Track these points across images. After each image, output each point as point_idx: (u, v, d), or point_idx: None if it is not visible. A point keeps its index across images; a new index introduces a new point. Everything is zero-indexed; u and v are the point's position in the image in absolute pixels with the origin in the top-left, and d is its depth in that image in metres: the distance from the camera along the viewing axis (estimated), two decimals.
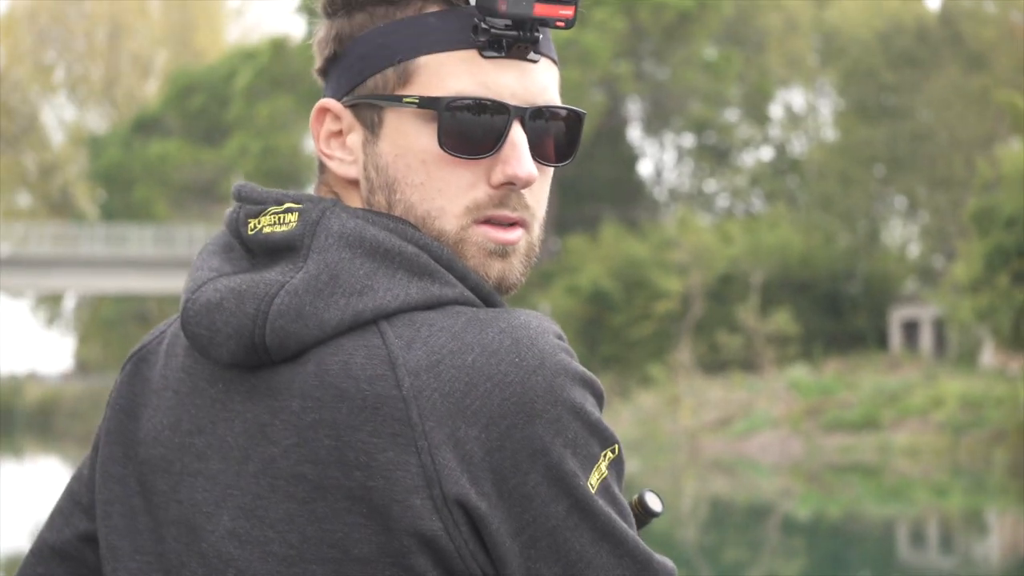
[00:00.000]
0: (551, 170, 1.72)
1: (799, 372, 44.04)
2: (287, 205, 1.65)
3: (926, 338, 51.56)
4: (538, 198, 1.72)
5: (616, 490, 1.61)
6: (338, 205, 1.65)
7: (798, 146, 63.08)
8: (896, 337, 52.72)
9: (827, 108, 63.09)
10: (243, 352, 1.60)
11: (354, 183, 1.72)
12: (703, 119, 59.45)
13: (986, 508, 29.27)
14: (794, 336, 47.15)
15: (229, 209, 1.70)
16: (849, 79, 56.13)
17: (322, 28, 1.76)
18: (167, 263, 60.54)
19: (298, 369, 1.58)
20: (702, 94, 58.18)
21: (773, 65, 60.25)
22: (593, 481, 1.57)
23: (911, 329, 52.98)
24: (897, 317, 52.94)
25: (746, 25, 60.50)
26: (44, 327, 75.73)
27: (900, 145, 53.46)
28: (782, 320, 46.89)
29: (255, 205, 1.67)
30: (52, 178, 74.63)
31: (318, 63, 1.77)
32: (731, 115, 61.81)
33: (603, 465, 1.59)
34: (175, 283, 61.01)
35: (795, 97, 64.05)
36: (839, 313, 52.11)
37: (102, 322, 68.93)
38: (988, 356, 45.32)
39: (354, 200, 1.71)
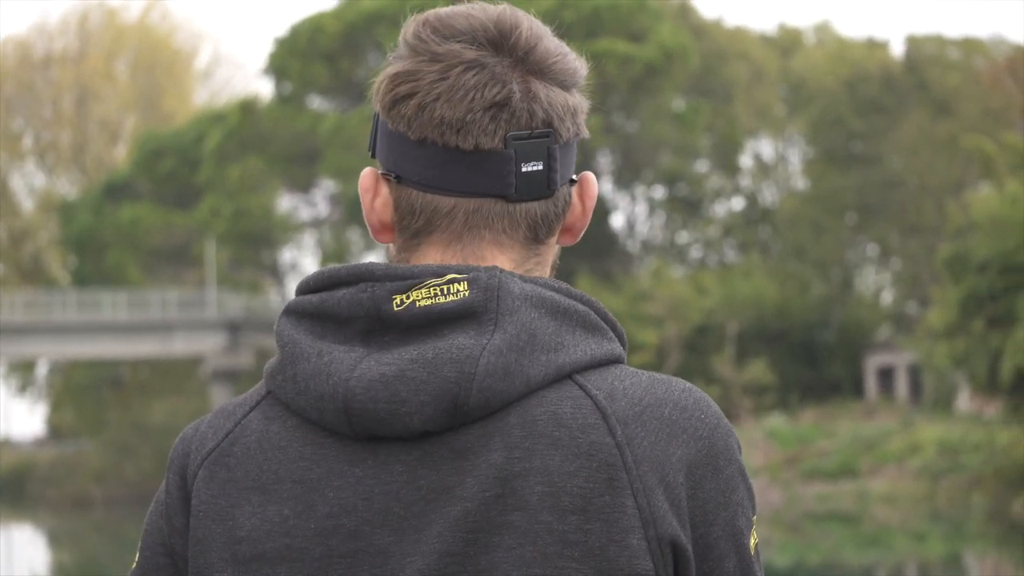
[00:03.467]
0: None
1: (776, 421, 44.14)
2: (449, 276, 1.68)
3: (901, 385, 51.69)
4: None
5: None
6: (503, 271, 1.69)
7: (769, 196, 63.37)
8: (872, 384, 52.87)
9: (796, 157, 63.47)
10: (441, 416, 1.63)
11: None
12: (673, 171, 59.66)
13: (965, 553, 29.33)
14: (770, 385, 47.28)
15: (345, 291, 1.70)
16: (817, 127, 56.50)
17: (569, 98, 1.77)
18: (140, 327, 60.43)
19: (495, 424, 1.64)
20: (672, 146, 58.43)
21: (741, 115, 60.60)
22: (752, 543, 1.70)
23: (886, 376, 53.13)
24: (872, 364, 53.09)
25: (713, 76, 60.81)
26: (16, 394, 75.49)
27: (870, 192, 53.75)
28: (758, 370, 47.03)
29: (402, 281, 1.68)
30: (23, 245, 74.49)
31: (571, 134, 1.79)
32: (701, 166, 62.07)
33: (755, 529, 1.72)
34: (148, 347, 60.88)
35: (764, 147, 64.45)
36: (815, 361, 52.28)
37: (75, 388, 68.73)
38: (964, 401, 45.46)
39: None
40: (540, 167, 1.72)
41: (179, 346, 61.16)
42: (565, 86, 1.75)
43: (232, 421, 1.73)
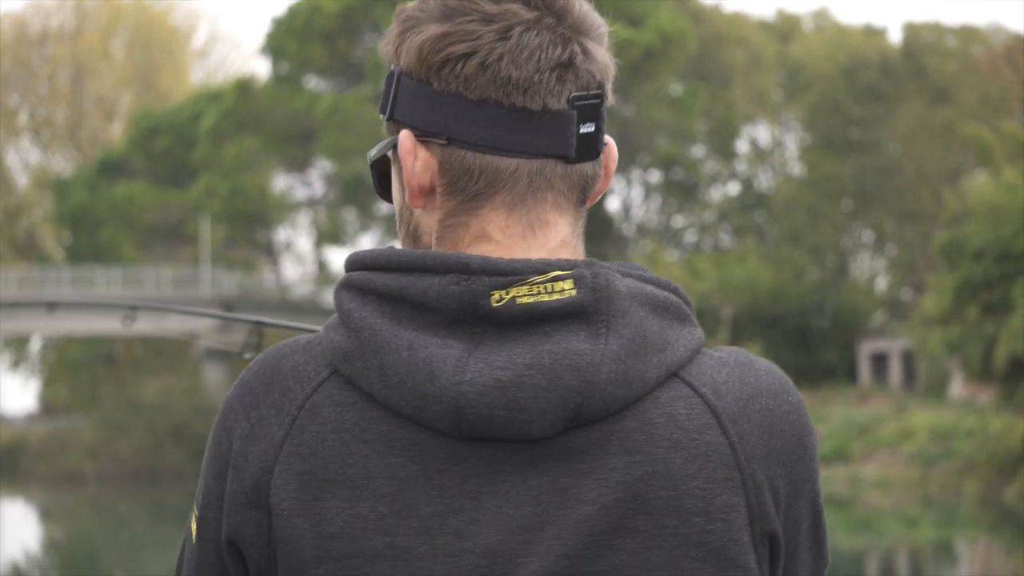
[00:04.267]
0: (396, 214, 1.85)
1: None
2: (553, 274, 1.64)
3: (895, 371, 51.77)
4: None
5: None
6: (602, 265, 1.68)
7: (765, 181, 63.42)
8: (865, 370, 52.96)
9: (793, 143, 63.51)
10: (560, 424, 1.60)
11: None
12: (670, 155, 59.71)
13: (956, 539, 29.41)
14: None
15: (433, 279, 1.64)
16: (814, 113, 56.51)
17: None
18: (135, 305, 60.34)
19: (611, 428, 1.63)
20: (668, 130, 58.46)
21: (738, 101, 60.62)
22: (823, 501, 1.77)
23: (880, 362, 53.21)
24: (866, 350, 53.17)
25: (711, 61, 60.84)
26: (9, 369, 75.47)
27: (867, 179, 53.79)
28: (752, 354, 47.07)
29: (502, 277, 1.63)
30: (17, 221, 74.44)
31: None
32: (697, 151, 62.14)
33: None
34: (143, 325, 60.71)
35: (761, 132, 64.49)
36: (809, 346, 52.35)
37: (68, 364, 68.70)
38: (957, 388, 45.54)
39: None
40: (593, 128, 1.72)
41: (172, 323, 61.00)
42: (605, 47, 1.75)
43: (293, 403, 1.65)
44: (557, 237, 1.73)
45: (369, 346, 1.61)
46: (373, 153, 1.79)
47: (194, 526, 1.71)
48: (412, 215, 1.75)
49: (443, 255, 1.63)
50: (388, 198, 1.82)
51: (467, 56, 1.67)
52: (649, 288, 1.68)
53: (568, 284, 1.63)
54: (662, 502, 1.62)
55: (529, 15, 1.68)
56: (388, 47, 1.75)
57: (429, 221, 1.73)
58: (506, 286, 1.62)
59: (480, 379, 1.58)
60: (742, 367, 1.70)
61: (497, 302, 1.62)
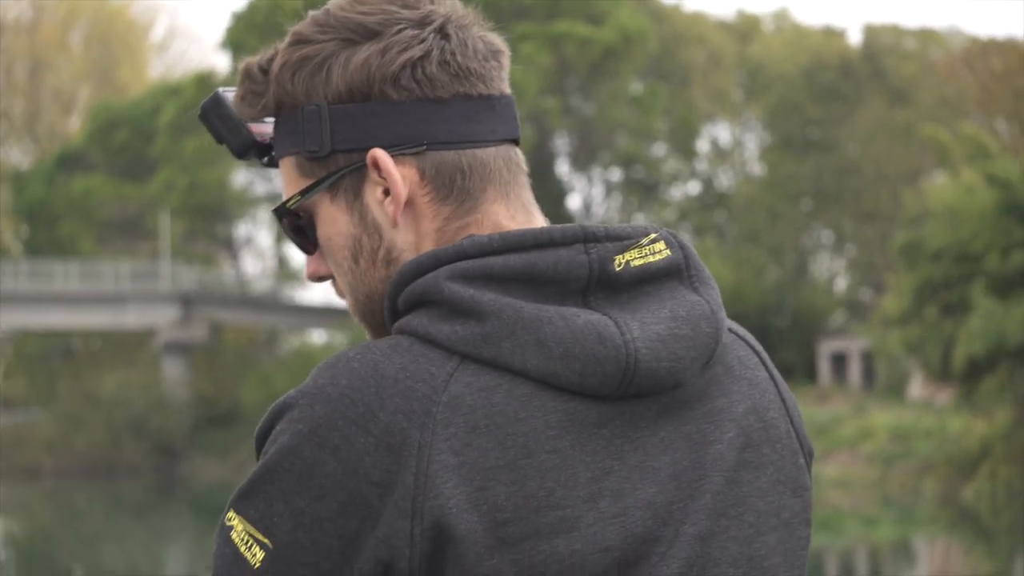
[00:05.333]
0: (328, 254, 1.79)
1: None
2: (652, 235, 1.72)
3: (854, 371, 51.97)
4: (339, 281, 1.80)
5: None
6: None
7: (725, 180, 63.55)
8: (825, 369, 53.13)
9: (753, 142, 63.66)
10: (699, 371, 1.70)
11: None
12: (630, 154, 59.75)
13: (915, 538, 29.53)
14: None
15: (561, 251, 1.66)
16: (774, 114, 56.68)
17: None
18: (93, 299, 60.09)
19: (708, 375, 1.72)
20: (629, 129, 58.50)
21: (698, 100, 60.73)
22: None
23: (839, 362, 53.40)
24: (825, 349, 53.35)
25: (671, 61, 60.92)
26: None
27: (826, 179, 54.00)
28: None
29: (620, 242, 1.69)
30: None
31: None
32: (658, 149, 62.18)
33: None
34: (101, 319, 60.54)
35: (721, 132, 64.62)
36: (768, 346, 51.91)
37: (26, 357, 68.25)
38: (916, 388, 45.77)
39: None
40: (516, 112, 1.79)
41: (131, 318, 60.86)
42: None
43: (426, 401, 1.61)
44: (541, 219, 1.78)
45: (517, 324, 1.62)
46: (298, 200, 1.76)
47: (259, 553, 1.62)
48: (381, 240, 1.73)
49: (569, 228, 1.67)
50: (308, 248, 1.80)
51: (424, 58, 1.70)
52: None
53: (661, 245, 1.71)
54: (757, 434, 1.73)
55: (444, 10, 1.73)
56: (290, 88, 1.74)
57: (408, 237, 1.73)
58: (623, 251, 1.68)
59: (644, 335, 1.64)
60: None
61: (618, 266, 1.67)
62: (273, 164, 1.81)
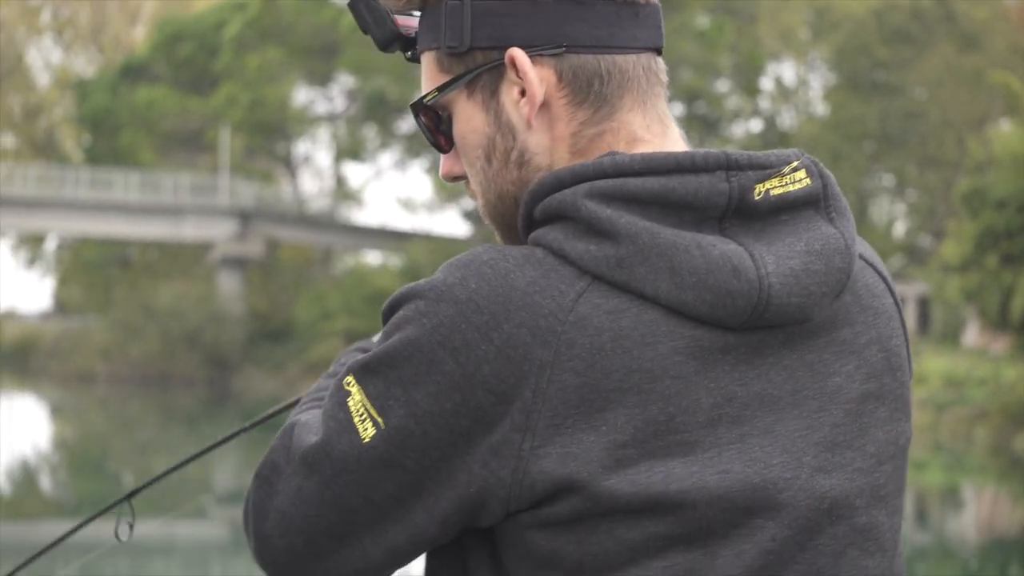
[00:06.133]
0: (462, 152, 1.79)
1: None
2: (794, 164, 1.70)
3: (910, 315, 51.78)
4: (471, 181, 1.80)
5: None
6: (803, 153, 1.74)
7: (788, 119, 63.12)
8: None
9: (818, 83, 63.14)
10: (827, 306, 1.69)
11: None
12: (694, 89, 59.42)
13: (963, 485, 29.46)
14: None
15: (703, 177, 1.65)
16: (841, 54, 56.13)
17: None
18: (152, 209, 60.40)
19: (836, 304, 1.71)
20: (693, 63, 58.14)
21: (765, 37, 60.21)
22: None
23: None
24: None
25: None
26: (24, 267, 75.49)
27: (891, 122, 53.55)
28: None
29: (762, 170, 1.67)
30: (37, 120, 74.22)
31: None
32: (721, 86, 61.81)
33: None
34: (158, 230, 60.85)
35: (786, 70, 64.12)
36: None
37: (83, 264, 68.70)
38: (971, 336, 45.55)
39: None
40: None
41: (189, 230, 61.15)
42: None
43: (551, 318, 1.60)
44: (676, 131, 1.77)
45: (652, 249, 1.61)
46: (435, 96, 1.76)
47: (371, 429, 1.63)
48: (514, 141, 1.73)
49: (712, 154, 1.65)
50: (442, 145, 1.81)
51: None
52: None
53: (802, 174, 1.69)
54: (879, 363, 1.73)
55: None
56: None
57: (542, 140, 1.72)
58: (764, 179, 1.66)
59: (779, 270, 1.63)
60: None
61: (758, 196, 1.65)
62: (415, 59, 1.80)
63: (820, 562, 1.67)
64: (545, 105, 1.70)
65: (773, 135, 61.99)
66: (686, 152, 1.65)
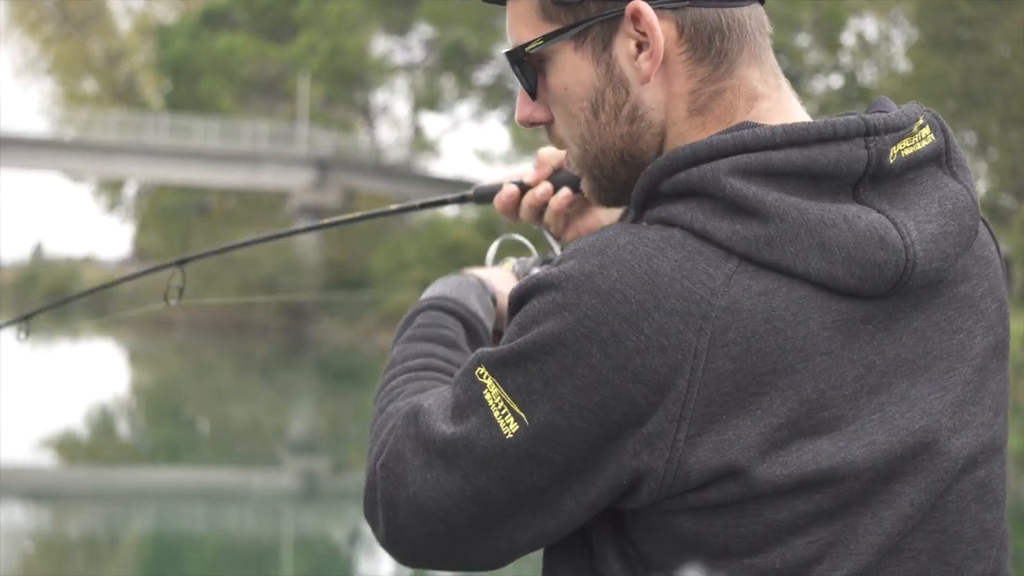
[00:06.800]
0: (560, 102, 1.75)
1: None
2: (920, 121, 1.68)
3: None
4: (563, 130, 1.77)
5: None
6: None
7: (869, 75, 62.66)
8: None
9: (900, 38, 62.60)
10: (957, 264, 1.69)
11: None
12: (774, 43, 58.57)
13: None
14: None
15: (842, 145, 1.62)
16: (924, 10, 55.63)
17: None
18: (231, 157, 60.66)
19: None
20: (774, 17, 57.16)
21: None
22: None
23: None
24: None
25: None
26: (104, 212, 76.12)
27: (974, 80, 53.03)
28: None
29: (895, 133, 1.65)
30: (118, 66, 74.65)
31: None
32: (802, 40, 61.42)
33: None
34: (237, 177, 61.16)
35: (868, 26, 63.61)
36: None
37: (162, 211, 69.18)
38: None
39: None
40: None
41: (267, 178, 61.41)
42: None
43: (703, 304, 1.56)
44: (786, 82, 1.76)
45: (801, 226, 1.57)
46: (540, 44, 1.72)
47: (513, 425, 1.60)
48: (627, 96, 1.69)
49: (851, 120, 1.62)
50: (535, 93, 1.76)
51: None
52: None
53: (927, 130, 1.67)
54: (994, 314, 1.73)
55: None
56: None
57: (658, 96, 1.69)
58: (898, 141, 1.64)
59: (920, 237, 1.61)
60: None
61: (892, 159, 1.63)
62: (499, 0, 1.77)
63: (946, 520, 1.67)
64: (663, 60, 1.67)
65: (853, 91, 61.58)
66: (826, 121, 1.62)
